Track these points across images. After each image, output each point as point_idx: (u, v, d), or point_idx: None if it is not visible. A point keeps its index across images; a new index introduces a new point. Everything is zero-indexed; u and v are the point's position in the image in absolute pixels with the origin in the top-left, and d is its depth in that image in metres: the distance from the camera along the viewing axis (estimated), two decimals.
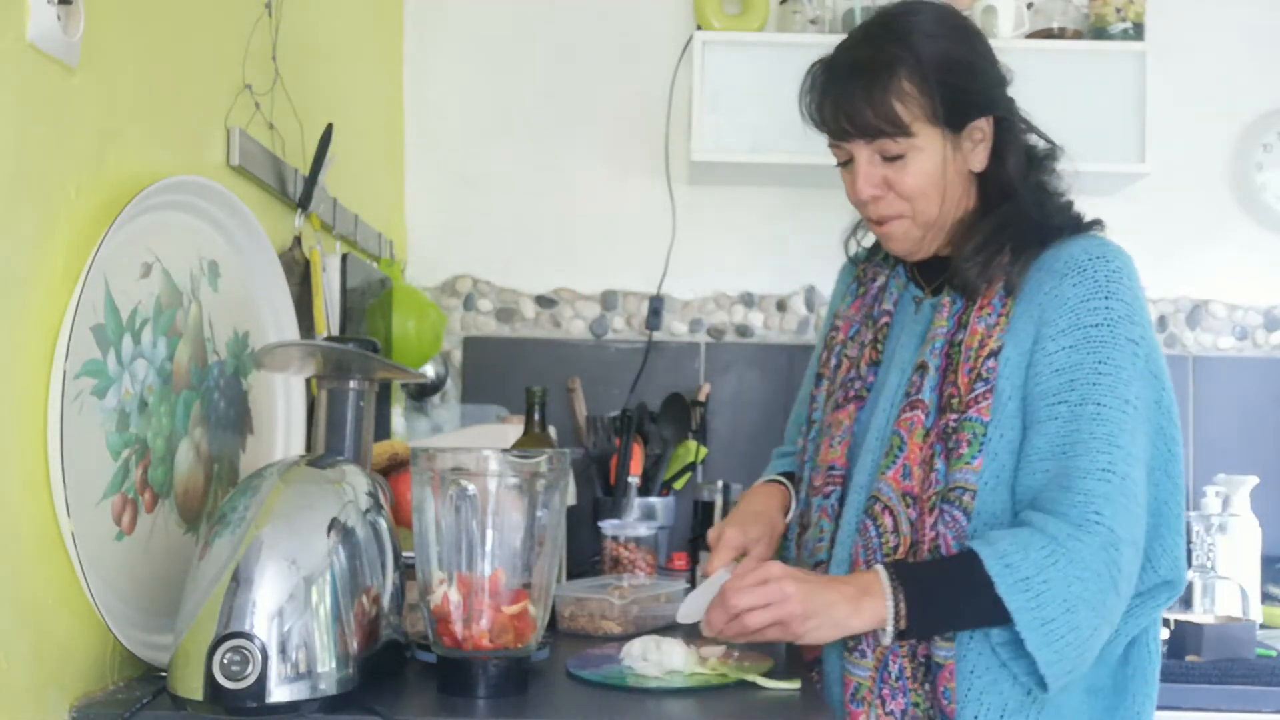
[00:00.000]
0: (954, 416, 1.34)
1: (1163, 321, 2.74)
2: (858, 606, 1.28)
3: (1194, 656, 2.09)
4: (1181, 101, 2.68)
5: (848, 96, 1.37)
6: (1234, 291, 2.75)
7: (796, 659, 1.46)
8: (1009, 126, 1.42)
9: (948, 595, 1.30)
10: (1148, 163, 2.46)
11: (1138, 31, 2.53)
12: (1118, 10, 2.53)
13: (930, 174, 1.38)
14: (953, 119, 1.38)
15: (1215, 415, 2.69)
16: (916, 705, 1.34)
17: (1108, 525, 1.27)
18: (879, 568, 1.31)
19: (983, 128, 1.40)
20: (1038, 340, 1.34)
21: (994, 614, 1.27)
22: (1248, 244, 2.74)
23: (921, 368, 1.39)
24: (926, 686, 1.33)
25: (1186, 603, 2.30)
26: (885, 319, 1.49)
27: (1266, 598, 2.47)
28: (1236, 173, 2.74)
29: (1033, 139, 1.45)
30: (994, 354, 1.34)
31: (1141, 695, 1.40)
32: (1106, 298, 1.33)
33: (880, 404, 1.43)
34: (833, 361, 1.54)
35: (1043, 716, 1.34)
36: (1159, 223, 2.71)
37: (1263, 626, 2.32)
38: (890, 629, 1.29)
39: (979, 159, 1.41)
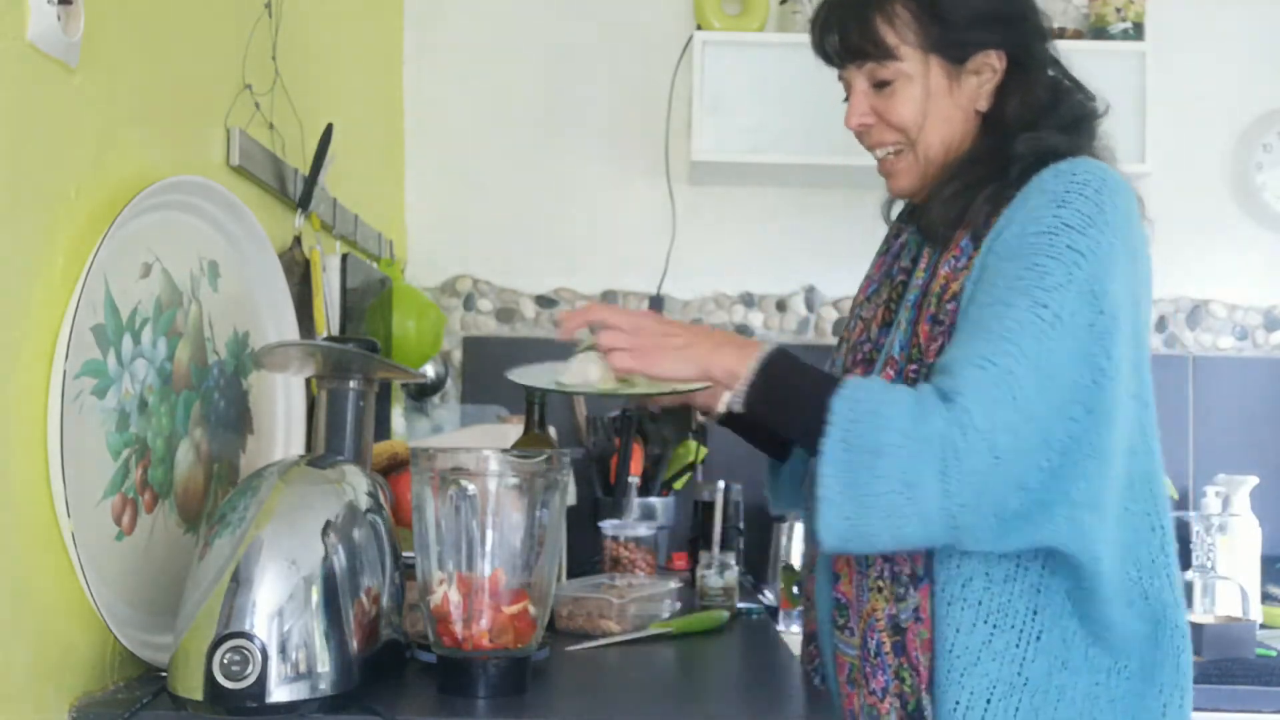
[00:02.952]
0: (914, 367, 1.26)
1: (1162, 321, 2.74)
2: (718, 349, 1.24)
3: (1194, 656, 2.09)
4: (1181, 101, 2.68)
5: (839, 18, 1.34)
6: (1234, 291, 2.75)
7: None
8: (1025, 67, 1.32)
9: (799, 383, 1.21)
10: (1148, 163, 2.46)
11: (1138, 31, 2.54)
12: (1118, 10, 2.53)
13: (918, 102, 1.31)
14: (951, 49, 1.30)
15: (1215, 415, 2.69)
16: (901, 680, 1.25)
17: (963, 406, 1.11)
18: (769, 343, 1.25)
19: (993, 64, 1.31)
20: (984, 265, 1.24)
21: (820, 421, 1.14)
22: (1248, 244, 2.74)
23: (896, 324, 1.32)
24: (905, 661, 1.25)
25: (1187, 603, 2.30)
26: (902, 276, 1.38)
27: (1266, 598, 2.48)
28: (1236, 173, 2.74)
29: (1070, 98, 1.35)
30: (955, 297, 1.24)
31: (1172, 687, 1.24)
32: (1059, 206, 1.19)
33: (879, 367, 1.35)
34: (851, 324, 1.47)
35: (1039, 700, 1.20)
36: (1159, 223, 2.69)
37: (1263, 626, 2.33)
38: (742, 386, 1.21)
39: (984, 97, 1.32)
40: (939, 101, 1.32)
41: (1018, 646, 1.21)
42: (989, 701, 1.19)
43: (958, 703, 1.20)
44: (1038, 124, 1.30)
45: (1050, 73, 1.36)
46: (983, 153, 1.31)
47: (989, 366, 1.13)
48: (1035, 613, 1.21)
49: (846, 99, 1.38)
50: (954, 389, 1.13)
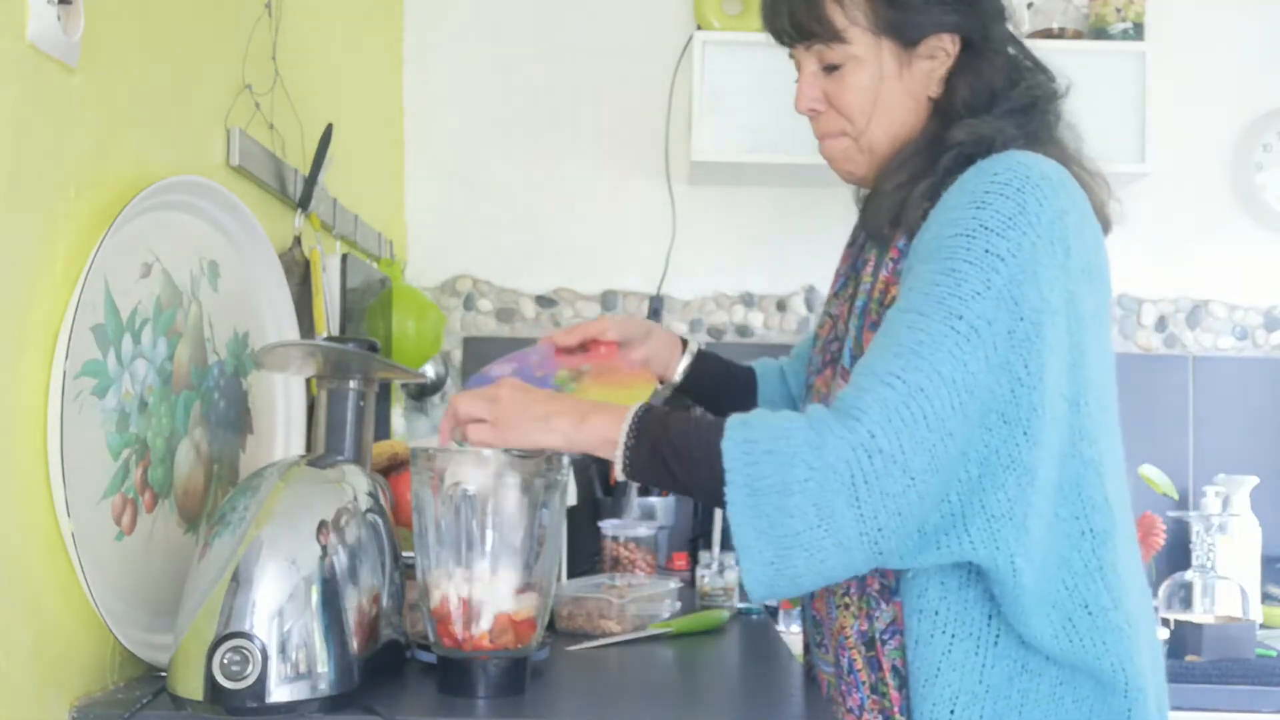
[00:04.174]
0: None
1: (1162, 321, 2.74)
2: (586, 418, 1.17)
3: (1194, 656, 2.09)
4: (1181, 101, 2.68)
5: None
6: (1234, 291, 2.75)
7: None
8: (979, 50, 1.25)
9: (682, 440, 1.13)
10: (1148, 163, 2.46)
11: (1138, 31, 2.54)
12: (1118, 10, 2.53)
13: (868, 89, 1.25)
14: (904, 31, 1.24)
15: (1215, 415, 2.69)
16: (880, 696, 1.22)
17: (867, 430, 1.06)
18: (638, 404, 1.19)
19: (946, 48, 1.25)
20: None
21: (716, 471, 1.09)
22: (1248, 244, 2.74)
23: (848, 332, 1.28)
24: (880, 678, 1.23)
25: (1186, 603, 2.31)
26: (867, 268, 1.32)
27: (1266, 598, 2.48)
28: (1236, 173, 2.74)
29: (1030, 79, 1.27)
30: (894, 302, 1.18)
31: (1136, 690, 1.18)
32: (978, 207, 1.12)
33: (835, 376, 1.31)
34: (821, 320, 1.41)
35: (1002, 706, 1.17)
36: (1159, 223, 2.71)
37: (1263, 626, 2.33)
38: (621, 452, 1.15)
39: (936, 83, 1.26)
40: (889, 86, 1.26)
41: (976, 654, 1.17)
42: (952, 712, 1.16)
43: (922, 715, 1.17)
44: (989, 109, 1.23)
45: (1011, 51, 1.28)
46: (924, 143, 1.25)
47: (897, 384, 1.08)
48: (991, 618, 1.17)
49: (797, 80, 1.31)
50: (858, 409, 1.08)
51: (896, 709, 1.20)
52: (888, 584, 1.21)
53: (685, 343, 1.57)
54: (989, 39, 1.26)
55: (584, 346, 1.47)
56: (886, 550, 1.08)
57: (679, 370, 1.54)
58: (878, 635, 1.22)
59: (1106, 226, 1.26)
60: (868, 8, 1.24)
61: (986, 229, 1.11)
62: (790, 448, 1.07)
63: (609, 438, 1.16)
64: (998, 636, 1.17)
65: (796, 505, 1.06)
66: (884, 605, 1.21)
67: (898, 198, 1.24)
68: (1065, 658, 1.16)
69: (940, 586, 1.18)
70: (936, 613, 1.18)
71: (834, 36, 1.25)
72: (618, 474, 1.17)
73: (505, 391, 1.20)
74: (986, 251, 1.11)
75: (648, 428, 1.15)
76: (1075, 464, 1.16)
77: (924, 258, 1.14)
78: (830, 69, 1.27)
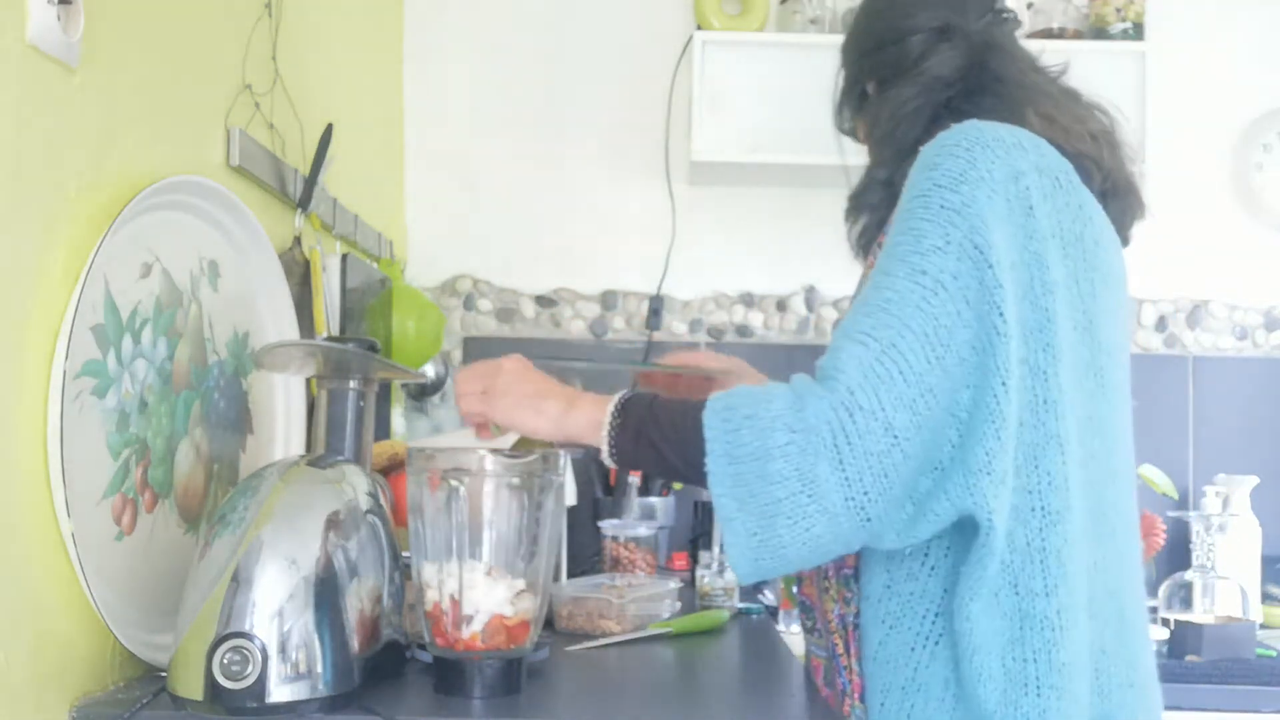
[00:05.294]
0: None
1: (1162, 321, 2.74)
2: (572, 404, 1.19)
3: (1194, 656, 2.09)
4: (1181, 101, 2.68)
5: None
6: (1234, 291, 2.75)
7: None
8: (879, 91, 1.35)
9: (667, 417, 1.14)
10: (1148, 163, 2.46)
11: (1138, 31, 2.54)
12: (1118, 10, 2.53)
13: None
14: (858, 105, 1.40)
15: (1215, 415, 2.69)
16: (858, 678, 1.20)
17: (845, 386, 1.04)
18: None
19: (871, 92, 1.37)
20: None
21: (698, 444, 1.08)
22: (1248, 244, 2.74)
23: None
24: (852, 662, 1.21)
25: (1186, 603, 2.31)
26: None
27: (1266, 598, 2.48)
28: (1236, 173, 2.74)
29: (929, 94, 1.30)
30: None
31: (1049, 688, 1.09)
32: (931, 169, 1.14)
33: None
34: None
35: (933, 707, 1.13)
36: (1159, 223, 2.70)
37: (1263, 626, 2.33)
38: (606, 433, 1.16)
39: (863, 126, 1.40)
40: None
41: (912, 650, 1.14)
42: (883, 705, 1.14)
43: (862, 705, 1.16)
44: (892, 136, 1.31)
45: (914, 73, 1.31)
46: (860, 184, 1.35)
47: (870, 342, 1.06)
48: (937, 616, 1.13)
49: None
50: (834, 368, 1.06)
51: (856, 695, 1.19)
52: (858, 566, 1.20)
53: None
54: (887, 76, 1.34)
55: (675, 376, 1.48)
56: (875, 517, 1.05)
57: None
58: (850, 619, 1.20)
59: (1122, 194, 1.27)
60: (845, 101, 1.41)
61: (939, 186, 1.12)
62: (770, 411, 1.06)
63: (595, 419, 1.16)
64: (940, 636, 1.13)
65: (778, 471, 1.04)
66: (856, 588, 1.20)
67: (855, 227, 1.34)
68: (977, 638, 1.09)
69: (886, 574, 1.15)
70: (880, 600, 1.15)
71: (851, 134, 1.44)
72: (605, 458, 1.17)
73: (507, 364, 1.22)
74: (942, 207, 1.11)
75: (633, 409, 1.15)
76: (1035, 434, 1.11)
77: (892, 229, 1.16)
78: None
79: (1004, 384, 1.07)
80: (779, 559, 1.07)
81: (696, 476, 1.10)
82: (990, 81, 1.28)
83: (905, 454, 1.04)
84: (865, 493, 1.04)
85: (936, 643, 1.13)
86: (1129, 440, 1.23)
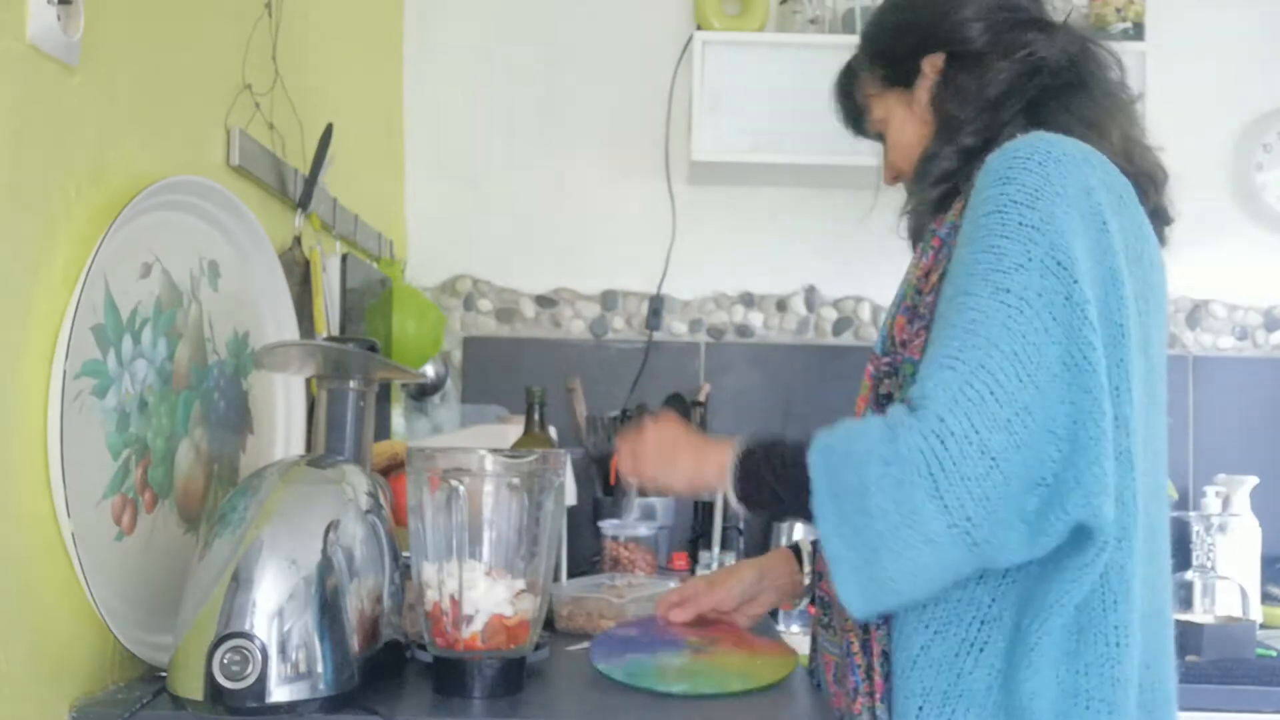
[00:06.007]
0: (885, 361, 1.22)
1: None
2: (702, 457, 1.23)
3: (1194, 656, 2.09)
4: (1181, 101, 2.68)
5: (834, 97, 1.48)
6: (1234, 291, 2.75)
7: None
8: (962, 63, 1.31)
9: (780, 459, 1.16)
10: None
11: (1138, 31, 2.54)
12: (1118, 10, 2.53)
13: (899, 138, 1.37)
14: (897, 76, 1.37)
15: (1215, 415, 2.69)
16: (871, 679, 1.20)
17: (935, 414, 1.03)
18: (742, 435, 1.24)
19: (931, 65, 1.33)
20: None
21: (807, 484, 1.10)
22: (1248, 244, 2.74)
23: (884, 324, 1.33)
24: (871, 663, 1.20)
25: (1186, 603, 2.31)
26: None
27: (1266, 598, 2.48)
28: (1236, 173, 2.74)
29: (1041, 78, 1.29)
30: (934, 289, 1.19)
31: (1099, 701, 1.10)
32: (1004, 183, 1.13)
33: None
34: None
35: (975, 715, 1.12)
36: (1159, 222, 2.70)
37: (1263, 626, 2.33)
38: (731, 480, 1.19)
39: (922, 96, 1.35)
40: (904, 125, 1.37)
41: (956, 656, 1.13)
42: (920, 709, 1.13)
43: (893, 709, 1.15)
44: (992, 110, 1.28)
45: (1027, 47, 1.29)
46: (934, 149, 1.31)
47: (958, 365, 1.05)
48: (984, 623, 1.13)
49: None
50: (923, 395, 1.06)
51: (878, 695, 1.18)
52: None
53: (796, 549, 1.51)
54: (969, 49, 1.31)
55: (700, 618, 1.45)
56: (983, 541, 1.03)
57: (806, 577, 1.49)
58: (871, 621, 1.19)
59: (1162, 219, 1.34)
60: (869, 76, 1.39)
61: (1015, 203, 1.11)
62: (864, 445, 1.06)
63: (721, 465, 1.19)
64: (985, 643, 1.13)
65: (876, 505, 1.04)
66: None
67: (919, 206, 1.31)
68: (1041, 651, 1.10)
69: None
70: (924, 607, 1.14)
71: (866, 111, 1.41)
72: (733, 504, 1.21)
73: (650, 429, 1.28)
74: (1020, 224, 1.10)
75: (752, 456, 1.18)
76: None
77: (964, 241, 1.15)
78: (883, 137, 1.41)
79: (1106, 397, 1.06)
80: (889, 593, 1.07)
81: (810, 516, 1.10)
82: (1087, 79, 1.29)
83: (1005, 475, 1.03)
84: (968, 518, 1.02)
85: (982, 650, 1.13)
86: (1166, 457, 1.25)
